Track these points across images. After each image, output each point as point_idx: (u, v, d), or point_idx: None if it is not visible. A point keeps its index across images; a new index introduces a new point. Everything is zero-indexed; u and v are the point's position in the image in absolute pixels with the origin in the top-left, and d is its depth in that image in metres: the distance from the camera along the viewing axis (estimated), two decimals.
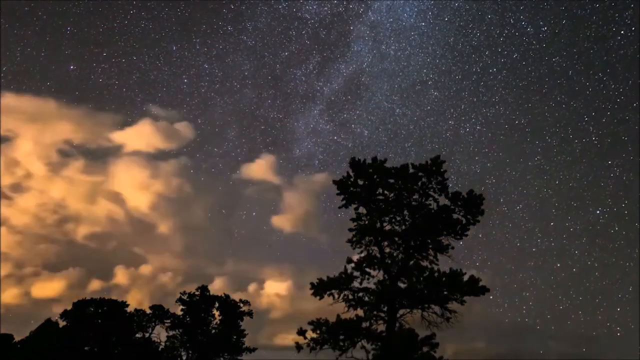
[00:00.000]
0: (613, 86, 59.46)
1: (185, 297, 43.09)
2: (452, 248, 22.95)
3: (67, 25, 65.57)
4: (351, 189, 23.02)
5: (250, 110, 73.38)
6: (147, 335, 42.67)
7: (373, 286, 22.87)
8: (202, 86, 70.61)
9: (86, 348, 39.48)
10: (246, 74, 71.86)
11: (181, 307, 42.83)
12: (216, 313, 43.31)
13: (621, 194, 57.60)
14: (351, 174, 22.94)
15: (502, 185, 65.97)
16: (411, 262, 22.77)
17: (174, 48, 68.60)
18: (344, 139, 70.93)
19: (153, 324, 42.86)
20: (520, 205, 63.78)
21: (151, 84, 69.32)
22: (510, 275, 62.47)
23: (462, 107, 67.91)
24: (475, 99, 67.32)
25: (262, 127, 73.60)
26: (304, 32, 69.55)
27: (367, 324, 22.20)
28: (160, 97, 70.50)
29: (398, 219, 23.10)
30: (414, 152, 68.53)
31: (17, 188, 67.17)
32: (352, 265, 23.03)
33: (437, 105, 68.62)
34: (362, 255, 23.22)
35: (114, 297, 42.53)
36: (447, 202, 22.61)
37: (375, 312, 22.28)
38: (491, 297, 58.33)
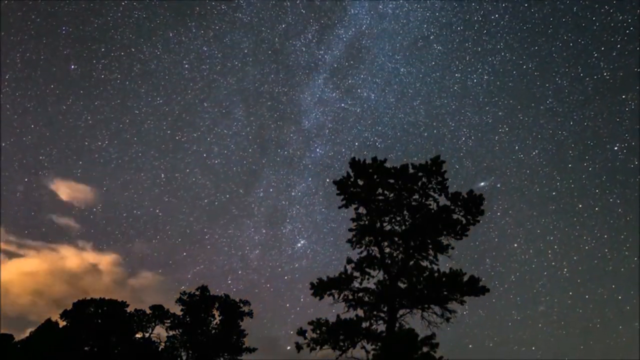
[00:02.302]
0: (620, 17, 57.08)
1: (185, 297, 43.09)
2: (452, 248, 22.94)
3: (62, 25, 65.20)
4: (351, 189, 22.98)
5: (254, 87, 72.21)
6: (147, 335, 42.66)
7: (373, 286, 22.86)
8: (204, 69, 69.63)
9: (86, 348, 39.44)
10: (246, 51, 70.79)
11: (181, 307, 42.85)
12: (216, 313, 43.31)
13: (638, 127, 56.29)
14: (351, 174, 22.92)
15: (516, 132, 64.89)
16: (411, 262, 22.72)
17: (171, 35, 67.65)
18: (351, 104, 69.72)
19: (153, 324, 42.83)
20: (536, 151, 62.89)
21: (152, 74, 68.42)
22: (533, 221, 62.14)
23: (467, 58, 66.53)
24: (479, 49, 65.71)
25: (269, 103, 72.45)
26: (298, 1, 68.24)
27: (367, 324, 22.14)
28: (163, 86, 69.39)
29: (398, 219, 23.06)
30: (423, 110, 67.38)
31: None
32: (352, 265, 23.02)
33: (442, 59, 67.32)
34: (362, 255, 23.22)
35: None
36: (447, 202, 22.60)
37: (375, 312, 22.23)
38: (515, 245, 57.95)
